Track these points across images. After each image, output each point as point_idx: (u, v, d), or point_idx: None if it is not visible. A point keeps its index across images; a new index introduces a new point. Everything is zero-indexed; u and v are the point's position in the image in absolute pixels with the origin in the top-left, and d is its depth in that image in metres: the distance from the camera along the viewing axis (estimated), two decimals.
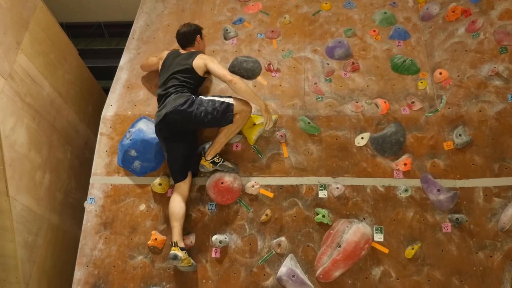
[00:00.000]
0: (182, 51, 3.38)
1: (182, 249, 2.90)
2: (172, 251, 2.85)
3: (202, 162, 3.13)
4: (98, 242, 3.13)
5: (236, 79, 3.09)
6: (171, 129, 3.06)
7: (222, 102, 3.03)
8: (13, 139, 3.35)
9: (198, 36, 3.45)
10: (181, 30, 3.45)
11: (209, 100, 3.05)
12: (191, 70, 3.18)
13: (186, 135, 3.14)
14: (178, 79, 3.14)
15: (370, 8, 3.86)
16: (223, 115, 3.01)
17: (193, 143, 3.22)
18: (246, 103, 3.12)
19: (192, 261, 2.93)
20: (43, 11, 4.00)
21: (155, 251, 3.08)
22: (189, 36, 3.42)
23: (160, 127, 3.07)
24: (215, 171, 3.18)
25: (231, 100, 3.06)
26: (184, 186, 3.09)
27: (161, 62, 3.35)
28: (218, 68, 3.17)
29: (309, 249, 2.98)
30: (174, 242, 2.91)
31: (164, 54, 3.40)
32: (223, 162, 3.14)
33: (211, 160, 3.11)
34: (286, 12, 3.92)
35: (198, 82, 3.29)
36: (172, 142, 3.10)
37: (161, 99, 3.13)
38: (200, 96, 3.10)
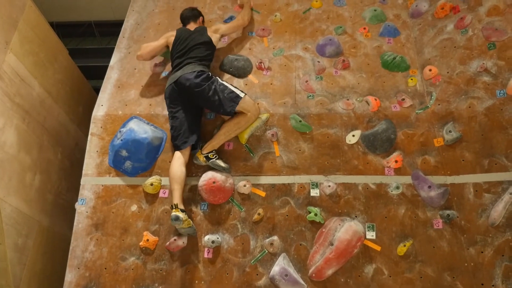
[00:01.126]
0: (190, 28, 3.52)
1: (182, 210, 2.92)
2: (173, 213, 2.87)
3: (197, 154, 3.16)
4: (89, 243, 3.10)
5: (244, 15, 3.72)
6: (180, 92, 3.16)
7: (233, 91, 3.12)
8: (2, 140, 3.31)
9: (201, 17, 3.72)
10: (187, 9, 3.71)
11: (222, 83, 3.16)
12: (209, 43, 3.40)
13: (192, 108, 3.24)
14: (200, 51, 3.31)
15: (360, 5, 3.86)
16: (228, 101, 3.08)
17: (198, 116, 3.31)
18: (255, 106, 3.16)
19: (192, 223, 2.95)
20: (33, 10, 3.95)
21: (147, 252, 3.06)
22: (196, 13, 3.68)
23: (172, 88, 3.20)
24: (207, 170, 3.17)
25: (241, 94, 3.12)
26: (184, 152, 3.14)
27: (172, 39, 3.44)
28: (227, 26, 3.61)
29: (301, 248, 2.98)
30: (174, 205, 2.93)
31: (173, 32, 3.51)
32: (216, 159, 3.13)
33: (206, 155, 3.12)
34: (277, 10, 3.92)
35: (213, 54, 3.48)
36: (178, 108, 3.20)
37: (179, 64, 3.25)
38: (217, 77, 3.21)
